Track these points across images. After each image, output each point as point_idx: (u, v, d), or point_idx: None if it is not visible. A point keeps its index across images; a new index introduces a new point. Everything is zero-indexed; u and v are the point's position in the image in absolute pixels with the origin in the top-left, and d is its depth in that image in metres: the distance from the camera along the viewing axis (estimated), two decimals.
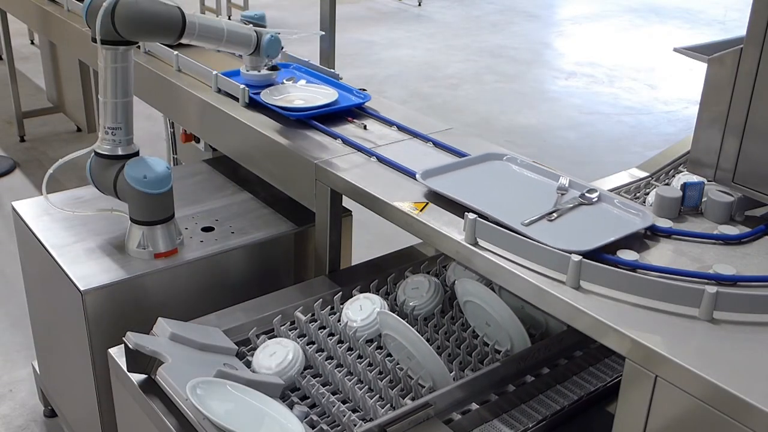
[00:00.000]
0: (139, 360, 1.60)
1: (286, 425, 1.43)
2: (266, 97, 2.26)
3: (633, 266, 1.42)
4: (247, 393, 1.49)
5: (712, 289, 1.28)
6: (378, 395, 1.59)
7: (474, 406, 1.55)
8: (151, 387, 1.57)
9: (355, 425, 1.49)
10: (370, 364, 1.69)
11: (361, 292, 1.89)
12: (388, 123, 2.20)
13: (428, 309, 1.84)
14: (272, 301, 1.88)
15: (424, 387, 1.58)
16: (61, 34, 3.38)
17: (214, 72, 2.38)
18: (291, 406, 1.52)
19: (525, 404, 1.61)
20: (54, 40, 3.88)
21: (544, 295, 1.39)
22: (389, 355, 1.71)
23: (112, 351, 1.71)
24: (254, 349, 1.72)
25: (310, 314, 1.84)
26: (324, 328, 1.82)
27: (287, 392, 1.62)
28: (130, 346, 1.55)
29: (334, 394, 1.61)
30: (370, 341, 1.76)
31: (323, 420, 1.54)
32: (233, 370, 1.55)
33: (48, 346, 2.42)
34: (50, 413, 2.67)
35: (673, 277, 1.38)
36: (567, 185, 1.71)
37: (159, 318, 1.66)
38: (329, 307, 1.86)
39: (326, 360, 1.71)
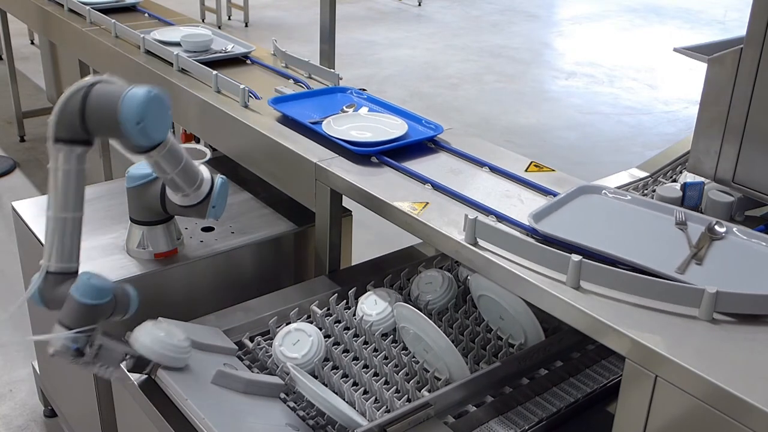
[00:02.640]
0: (139, 360, 1.59)
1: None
2: (328, 128, 2.04)
3: None
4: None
5: (712, 289, 1.28)
6: (395, 387, 1.61)
7: (473, 406, 1.56)
8: (151, 387, 1.57)
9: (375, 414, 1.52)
10: (385, 357, 1.71)
11: (375, 287, 1.91)
12: None
13: (442, 303, 1.86)
14: (272, 301, 1.88)
15: (440, 379, 1.60)
16: (61, 34, 3.38)
17: (214, 72, 2.38)
18: None
19: (525, 404, 1.61)
20: (54, 40, 3.88)
21: (544, 295, 1.39)
22: (404, 348, 1.73)
23: None
24: (271, 339, 1.75)
25: (325, 308, 1.86)
26: (339, 322, 1.83)
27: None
28: None
29: (352, 386, 1.63)
30: (384, 335, 1.78)
31: None
32: (233, 370, 1.55)
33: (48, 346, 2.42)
34: (50, 413, 2.67)
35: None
36: (684, 219, 1.59)
37: (159, 318, 1.66)
38: (344, 301, 1.87)
39: (342, 353, 1.72)
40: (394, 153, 1.95)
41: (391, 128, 2.06)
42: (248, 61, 2.70)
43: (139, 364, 1.54)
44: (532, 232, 1.55)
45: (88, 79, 1.52)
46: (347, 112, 2.19)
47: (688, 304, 1.30)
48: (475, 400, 1.56)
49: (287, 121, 2.16)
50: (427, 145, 2.03)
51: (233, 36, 2.89)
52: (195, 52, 2.67)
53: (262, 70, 2.63)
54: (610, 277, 1.36)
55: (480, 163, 1.92)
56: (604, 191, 1.70)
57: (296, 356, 1.66)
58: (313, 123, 2.08)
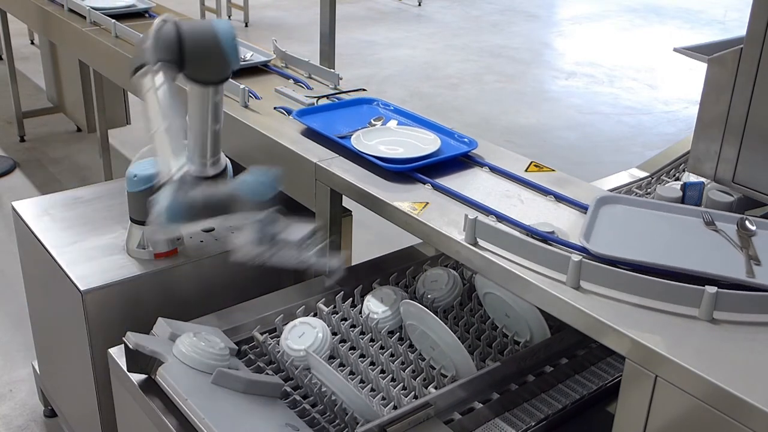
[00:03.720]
0: (139, 360, 1.59)
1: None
2: (358, 143, 1.94)
3: None
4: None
5: (712, 289, 1.28)
6: (401, 384, 1.62)
7: (476, 405, 1.56)
8: (151, 387, 1.57)
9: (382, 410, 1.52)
10: (392, 355, 1.72)
11: (380, 285, 1.91)
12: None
13: (447, 301, 1.86)
14: (272, 301, 1.88)
15: (447, 376, 1.60)
16: (61, 34, 3.38)
17: None
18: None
19: (525, 404, 1.61)
20: (54, 40, 3.89)
21: (544, 295, 1.39)
22: (410, 346, 1.74)
23: (112, 351, 1.71)
24: (277, 336, 1.76)
25: (331, 306, 1.86)
26: (345, 320, 1.84)
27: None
28: (130, 346, 1.55)
29: (359, 383, 1.64)
30: (390, 333, 1.79)
31: None
32: (233, 370, 1.55)
33: (48, 346, 2.42)
34: (50, 413, 2.67)
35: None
36: (712, 219, 1.55)
37: (159, 318, 1.66)
38: (350, 299, 1.88)
39: (349, 350, 1.73)
40: (427, 169, 1.86)
41: (424, 143, 1.96)
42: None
43: (142, 364, 1.55)
44: (582, 251, 1.47)
45: (163, 16, 1.64)
46: (375, 125, 2.12)
47: (688, 304, 1.30)
48: (481, 397, 1.57)
49: (312, 134, 2.08)
50: (460, 160, 1.94)
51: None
52: None
53: (266, 71, 2.62)
54: (610, 277, 1.36)
55: (480, 164, 1.92)
56: (624, 200, 1.65)
57: (302, 348, 1.66)
58: (340, 137, 2.01)
